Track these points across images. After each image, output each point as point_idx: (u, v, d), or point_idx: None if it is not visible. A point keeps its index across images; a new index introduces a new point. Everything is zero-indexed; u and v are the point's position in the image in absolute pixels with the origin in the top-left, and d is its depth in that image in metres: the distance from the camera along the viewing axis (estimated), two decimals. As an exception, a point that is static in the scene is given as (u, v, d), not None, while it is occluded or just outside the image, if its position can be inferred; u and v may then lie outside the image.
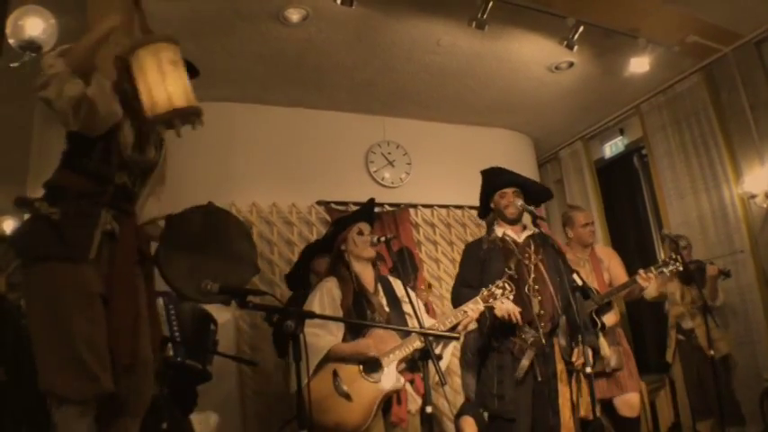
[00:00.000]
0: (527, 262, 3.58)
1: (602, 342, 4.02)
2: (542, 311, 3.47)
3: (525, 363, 3.39)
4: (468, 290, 3.52)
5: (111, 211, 2.39)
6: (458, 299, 3.55)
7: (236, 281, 2.60)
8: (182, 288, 2.57)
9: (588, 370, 3.19)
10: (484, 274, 3.58)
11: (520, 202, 3.61)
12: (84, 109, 2.24)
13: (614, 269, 4.45)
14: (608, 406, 4.26)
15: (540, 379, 3.39)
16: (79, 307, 2.22)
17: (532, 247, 3.65)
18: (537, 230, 3.68)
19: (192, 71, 2.53)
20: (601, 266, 4.47)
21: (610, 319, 4.21)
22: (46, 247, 2.25)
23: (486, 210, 3.88)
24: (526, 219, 3.73)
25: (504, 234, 3.70)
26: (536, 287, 3.51)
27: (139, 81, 2.28)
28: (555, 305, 3.47)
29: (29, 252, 2.31)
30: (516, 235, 3.71)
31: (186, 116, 2.29)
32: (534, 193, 3.85)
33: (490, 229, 3.81)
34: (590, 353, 3.29)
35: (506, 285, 3.38)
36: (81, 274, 2.25)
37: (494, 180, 3.84)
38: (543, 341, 3.42)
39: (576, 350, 3.40)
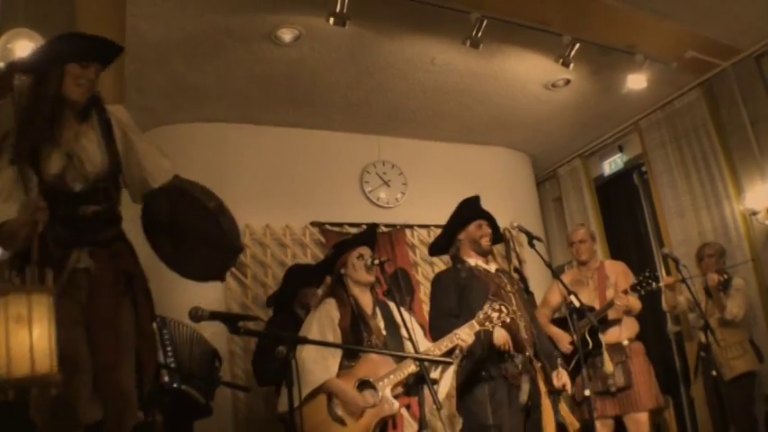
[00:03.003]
0: (508, 289, 3.61)
1: (606, 359, 4.05)
2: (527, 336, 3.50)
3: (526, 387, 3.37)
4: (452, 320, 3.46)
5: (86, 249, 2.33)
6: (442, 330, 3.43)
7: (219, 264, 2.55)
8: (176, 268, 2.53)
9: (587, 393, 3.25)
10: (465, 301, 3.55)
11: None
12: None
13: (620, 286, 4.37)
14: (619, 424, 4.26)
15: (530, 403, 3.38)
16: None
17: (504, 278, 3.69)
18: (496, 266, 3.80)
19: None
20: (606, 283, 4.42)
21: (612, 336, 4.24)
22: None
23: (450, 240, 3.83)
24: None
25: (477, 264, 3.71)
26: (519, 313, 3.53)
27: None
28: (532, 331, 3.55)
29: None
30: (488, 266, 3.73)
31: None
32: (494, 230, 3.84)
33: (460, 260, 3.75)
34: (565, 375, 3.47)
35: (503, 308, 3.36)
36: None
37: (474, 209, 3.83)
38: (529, 366, 3.44)
39: (554, 373, 3.48)
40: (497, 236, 3.87)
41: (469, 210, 3.82)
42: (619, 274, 4.50)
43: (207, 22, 4.35)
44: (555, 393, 3.47)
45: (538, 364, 3.51)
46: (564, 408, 3.53)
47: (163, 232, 2.55)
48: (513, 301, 3.55)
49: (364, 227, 4.05)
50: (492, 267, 3.74)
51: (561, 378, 3.47)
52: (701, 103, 5.76)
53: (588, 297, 4.37)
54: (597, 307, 4.31)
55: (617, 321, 4.30)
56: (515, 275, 4.43)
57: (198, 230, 2.52)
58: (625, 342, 4.26)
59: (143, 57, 4.52)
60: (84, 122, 2.45)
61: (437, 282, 3.77)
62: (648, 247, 6.73)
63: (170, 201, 2.55)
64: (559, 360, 3.63)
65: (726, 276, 4.75)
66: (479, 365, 3.45)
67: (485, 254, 3.73)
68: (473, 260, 3.72)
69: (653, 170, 6.23)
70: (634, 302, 4.26)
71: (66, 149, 2.35)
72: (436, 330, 3.51)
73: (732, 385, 4.64)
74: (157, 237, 2.58)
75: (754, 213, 5.32)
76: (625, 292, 4.14)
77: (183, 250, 2.53)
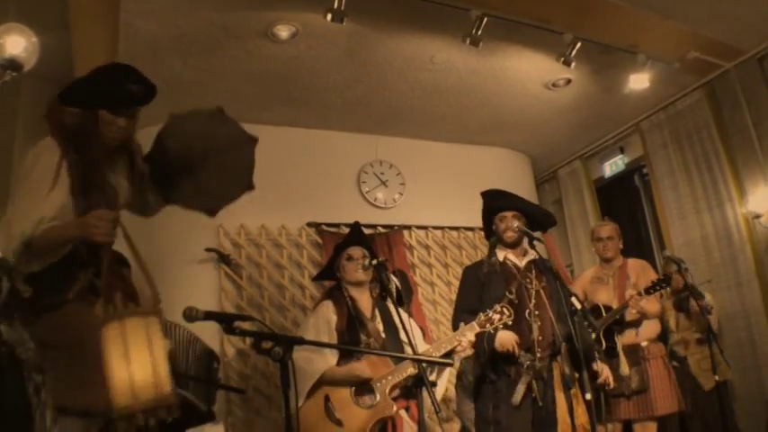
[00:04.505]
0: (529, 286, 3.53)
1: (622, 361, 4.07)
2: (541, 337, 3.42)
3: (521, 387, 3.33)
4: (469, 316, 3.45)
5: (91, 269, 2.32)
6: (458, 325, 3.48)
7: (247, 161, 2.62)
8: (198, 207, 2.58)
9: (588, 396, 3.15)
10: (484, 297, 3.53)
11: (516, 223, 3.55)
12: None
13: (640, 286, 4.27)
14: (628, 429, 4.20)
15: (540, 404, 3.33)
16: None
17: (534, 273, 3.60)
18: (538, 256, 3.63)
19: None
20: (626, 283, 4.35)
21: (629, 337, 4.20)
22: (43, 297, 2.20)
23: (489, 232, 3.82)
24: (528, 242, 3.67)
25: (506, 258, 3.65)
26: (536, 312, 3.46)
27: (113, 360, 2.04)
28: (555, 331, 3.42)
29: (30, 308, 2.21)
30: (517, 259, 3.65)
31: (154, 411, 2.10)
32: (537, 219, 3.79)
33: (491, 253, 3.73)
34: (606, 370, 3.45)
35: (504, 310, 3.37)
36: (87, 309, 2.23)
37: (492, 203, 3.78)
38: (538, 366, 3.37)
39: (596, 367, 3.42)
40: (542, 224, 3.81)
41: (487, 204, 3.80)
42: (640, 273, 4.41)
43: (202, 18, 4.28)
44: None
45: (564, 368, 3.43)
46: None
47: (178, 173, 2.56)
48: (533, 300, 3.48)
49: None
50: (524, 261, 3.66)
51: (603, 373, 3.42)
52: (703, 105, 5.70)
53: (607, 296, 4.32)
54: (615, 306, 4.22)
55: (635, 322, 4.23)
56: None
57: (213, 139, 2.59)
58: (644, 343, 4.20)
59: (137, 54, 4.43)
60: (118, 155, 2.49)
61: (462, 277, 3.80)
62: (650, 250, 6.67)
63: (173, 135, 2.59)
64: (597, 354, 3.57)
65: (708, 307, 4.79)
66: (484, 367, 3.45)
67: (510, 247, 3.67)
68: (503, 253, 3.67)
69: (654, 172, 6.18)
70: (649, 306, 4.17)
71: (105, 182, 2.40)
72: (453, 323, 3.57)
73: (711, 395, 4.64)
74: (175, 183, 2.57)
75: (757, 216, 5.28)
76: (639, 294, 4.07)
77: (209, 173, 2.53)
